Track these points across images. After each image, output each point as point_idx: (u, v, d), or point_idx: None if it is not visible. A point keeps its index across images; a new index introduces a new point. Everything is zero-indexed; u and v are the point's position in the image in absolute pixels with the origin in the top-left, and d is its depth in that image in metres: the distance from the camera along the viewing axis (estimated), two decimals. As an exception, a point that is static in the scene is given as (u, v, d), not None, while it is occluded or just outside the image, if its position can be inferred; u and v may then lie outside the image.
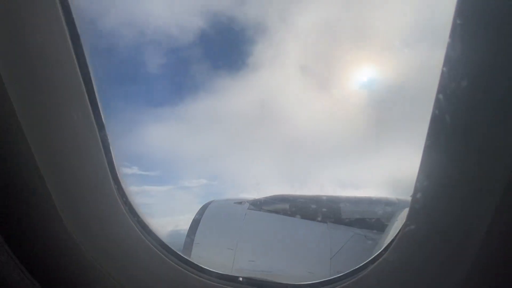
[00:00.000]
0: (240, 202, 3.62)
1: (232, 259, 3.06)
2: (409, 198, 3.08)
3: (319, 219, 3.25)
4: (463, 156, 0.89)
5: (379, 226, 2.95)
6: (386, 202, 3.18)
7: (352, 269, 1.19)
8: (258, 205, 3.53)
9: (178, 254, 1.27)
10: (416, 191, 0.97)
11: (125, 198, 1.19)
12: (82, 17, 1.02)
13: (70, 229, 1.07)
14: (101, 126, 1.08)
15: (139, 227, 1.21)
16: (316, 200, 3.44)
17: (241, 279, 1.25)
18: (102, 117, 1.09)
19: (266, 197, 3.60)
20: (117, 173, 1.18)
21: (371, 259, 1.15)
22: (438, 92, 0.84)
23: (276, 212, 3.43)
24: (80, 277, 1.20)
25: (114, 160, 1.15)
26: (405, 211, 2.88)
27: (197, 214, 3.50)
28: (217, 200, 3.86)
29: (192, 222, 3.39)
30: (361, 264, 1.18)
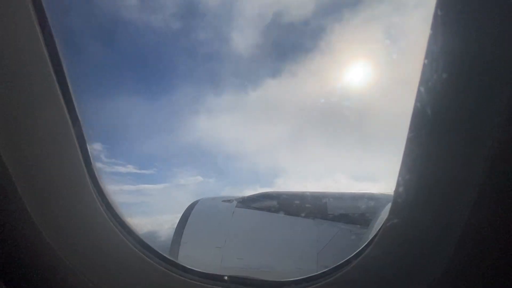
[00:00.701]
0: (228, 200, 3.61)
1: (220, 257, 3.05)
2: (393, 193, 3.14)
3: (306, 215, 3.30)
4: (444, 151, 0.89)
5: (364, 221, 3.03)
6: (371, 197, 3.26)
7: (336, 265, 1.20)
8: (246, 202, 3.53)
9: (160, 253, 1.24)
10: (398, 185, 0.97)
11: (103, 197, 1.15)
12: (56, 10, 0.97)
13: (42, 229, 1.04)
14: (75, 123, 1.03)
15: (118, 226, 1.17)
16: (303, 196, 3.48)
17: (226, 277, 1.24)
18: (78, 113, 1.04)
19: (253, 195, 3.61)
20: (95, 171, 1.13)
21: (355, 254, 1.16)
22: (420, 85, 0.83)
23: (264, 209, 3.44)
24: (52, 278, 1.15)
25: (91, 158, 1.11)
26: (389, 206, 2.95)
27: (184, 212, 3.47)
28: (205, 198, 3.83)
29: (179, 221, 3.36)
30: (345, 260, 1.19)
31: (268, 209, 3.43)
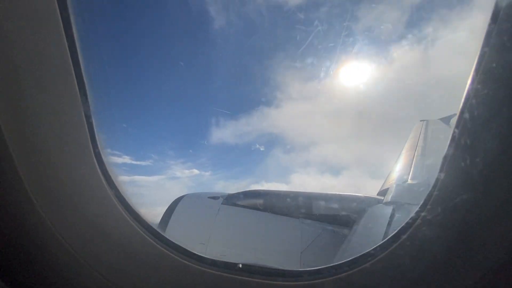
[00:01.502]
0: (213, 197, 3.60)
1: (203, 254, 3.04)
2: (377, 196, 3.18)
3: (292, 214, 3.32)
4: (492, 153, 0.86)
5: (348, 222, 3.07)
6: (355, 199, 3.30)
7: (359, 255, 1.15)
8: (232, 200, 3.53)
9: (173, 242, 1.24)
10: (437, 183, 0.94)
11: (115, 189, 1.12)
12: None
13: (52, 225, 1.01)
14: (89, 121, 1.00)
15: (129, 216, 1.15)
16: (289, 195, 3.51)
17: (240, 266, 1.22)
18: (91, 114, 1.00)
19: (240, 192, 3.61)
20: (104, 161, 1.09)
21: (380, 247, 1.11)
22: (471, 82, 0.82)
23: (250, 207, 3.45)
24: (64, 276, 1.12)
25: (100, 149, 1.07)
26: (372, 208, 2.99)
27: (168, 208, 3.43)
28: (190, 194, 3.81)
29: (162, 216, 3.32)
30: (370, 250, 1.14)
31: (254, 207, 3.44)
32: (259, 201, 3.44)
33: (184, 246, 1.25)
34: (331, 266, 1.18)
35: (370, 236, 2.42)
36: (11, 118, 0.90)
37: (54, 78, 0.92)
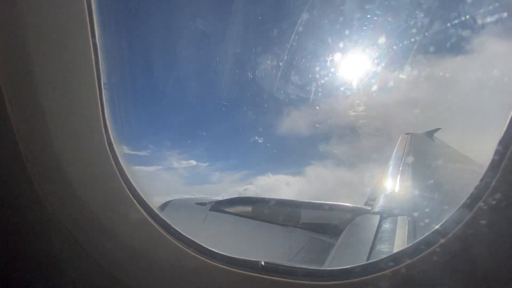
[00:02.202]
0: (201, 203, 3.53)
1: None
2: (364, 206, 3.21)
3: (280, 222, 3.30)
4: None
5: (336, 232, 3.07)
6: (343, 209, 3.32)
7: (396, 253, 1.11)
8: (220, 206, 3.47)
9: (189, 238, 1.25)
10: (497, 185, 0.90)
11: (133, 190, 1.10)
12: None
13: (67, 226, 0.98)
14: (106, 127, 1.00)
15: (147, 213, 1.15)
16: (278, 203, 3.49)
17: (263, 263, 1.21)
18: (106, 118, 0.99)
19: (228, 199, 3.56)
20: (120, 161, 1.07)
21: (423, 243, 1.05)
22: None
23: (238, 214, 3.40)
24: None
25: (115, 146, 1.05)
26: (360, 218, 3.01)
27: None
28: (178, 199, 3.73)
29: None
30: (407, 247, 1.09)
31: (242, 214, 3.39)
32: (248, 208, 3.40)
33: (202, 244, 1.24)
34: (359, 266, 1.15)
35: (358, 245, 2.42)
36: (24, 114, 0.88)
37: (71, 74, 0.91)
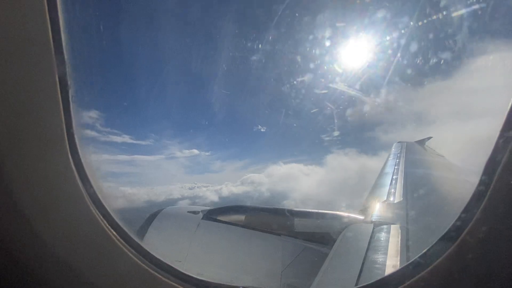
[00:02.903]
0: (193, 211, 3.48)
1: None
2: (357, 215, 3.21)
3: (273, 231, 3.26)
4: None
5: (329, 241, 3.05)
6: (336, 218, 3.31)
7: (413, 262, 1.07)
8: (212, 215, 3.42)
9: (170, 266, 1.18)
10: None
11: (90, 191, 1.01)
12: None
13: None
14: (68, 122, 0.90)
15: (112, 231, 1.06)
16: (271, 212, 3.46)
17: None
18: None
19: (221, 207, 3.52)
20: (83, 162, 0.98)
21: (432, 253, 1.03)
22: None
23: (231, 223, 3.35)
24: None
25: (78, 146, 0.97)
26: (351, 227, 3.01)
27: (145, 221, 3.27)
28: (170, 207, 3.67)
29: (138, 230, 3.15)
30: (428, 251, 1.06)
31: (235, 223, 3.35)
32: (240, 217, 3.36)
33: (179, 269, 1.20)
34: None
35: (351, 255, 2.41)
36: None
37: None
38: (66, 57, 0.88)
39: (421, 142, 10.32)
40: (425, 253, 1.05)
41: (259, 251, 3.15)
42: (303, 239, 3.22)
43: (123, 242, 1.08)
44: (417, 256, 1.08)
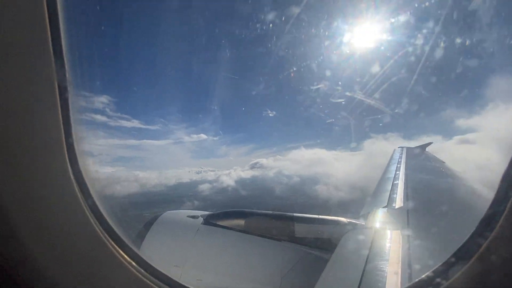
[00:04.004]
0: (193, 216, 3.46)
1: (177, 277, 2.87)
2: (358, 220, 3.20)
3: (273, 236, 3.23)
4: None
5: (329, 246, 3.03)
6: (337, 223, 3.28)
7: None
8: (212, 220, 3.40)
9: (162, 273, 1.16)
10: None
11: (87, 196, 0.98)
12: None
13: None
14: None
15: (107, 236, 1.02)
16: (272, 217, 3.44)
17: None
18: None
19: (221, 212, 3.50)
20: (80, 165, 0.94)
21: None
22: None
23: (231, 228, 3.33)
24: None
25: (77, 154, 0.94)
26: (351, 232, 3.00)
27: (144, 226, 3.25)
28: (169, 211, 3.65)
29: (137, 235, 3.13)
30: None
31: (235, 228, 3.32)
32: (240, 222, 3.33)
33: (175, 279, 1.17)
34: None
35: (352, 261, 2.38)
36: None
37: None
38: (68, 50, 0.86)
39: (422, 148, 10.30)
40: (438, 269, 1.01)
41: (259, 256, 3.12)
42: (304, 245, 3.19)
43: (120, 252, 1.06)
44: (430, 272, 1.04)
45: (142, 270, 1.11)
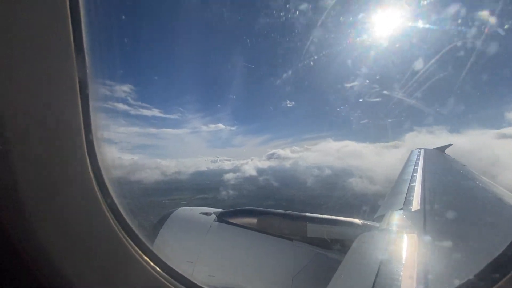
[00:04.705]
0: (205, 213, 3.50)
1: (190, 273, 2.92)
2: (374, 223, 3.13)
3: (285, 236, 3.23)
4: None
5: (342, 247, 2.98)
6: (351, 224, 3.23)
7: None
8: (225, 217, 3.43)
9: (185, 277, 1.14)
10: None
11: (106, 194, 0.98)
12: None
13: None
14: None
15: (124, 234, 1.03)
16: (284, 216, 3.42)
17: None
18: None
19: (233, 210, 3.53)
20: (101, 168, 0.95)
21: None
22: None
23: (243, 226, 3.35)
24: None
25: (96, 151, 0.94)
26: (365, 234, 2.94)
27: (157, 222, 3.32)
28: (182, 208, 3.71)
29: (150, 231, 3.20)
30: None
31: (248, 226, 3.34)
32: (253, 220, 3.34)
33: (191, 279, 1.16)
34: None
35: (365, 263, 2.34)
36: None
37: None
38: (90, 42, 0.86)
39: (441, 149, 9.96)
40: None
41: (270, 255, 3.12)
42: (316, 245, 3.16)
43: (138, 250, 1.08)
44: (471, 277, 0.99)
45: (159, 269, 1.13)
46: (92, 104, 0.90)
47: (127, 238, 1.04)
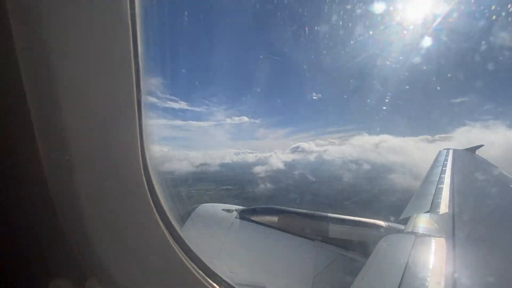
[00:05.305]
0: (227, 210, 3.57)
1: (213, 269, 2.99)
2: (398, 225, 3.05)
3: (307, 235, 3.22)
4: None
5: (365, 249, 2.93)
6: (375, 226, 3.16)
7: None
8: (246, 214, 3.48)
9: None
10: None
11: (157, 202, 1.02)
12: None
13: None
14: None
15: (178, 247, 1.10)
16: (306, 215, 3.41)
17: None
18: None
19: (255, 207, 3.56)
20: (152, 176, 0.99)
21: None
22: None
23: (265, 224, 3.38)
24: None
25: (148, 160, 0.97)
26: (389, 236, 2.87)
27: (180, 218, 3.43)
28: (205, 204, 3.80)
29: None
30: None
31: (269, 224, 3.37)
32: (274, 218, 3.36)
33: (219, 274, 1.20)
34: None
35: (390, 266, 2.29)
36: (43, 111, 0.83)
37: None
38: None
39: (471, 150, 9.43)
40: None
41: (292, 254, 3.13)
42: (338, 246, 3.13)
43: (184, 254, 1.11)
44: None
45: (202, 272, 1.16)
46: (143, 111, 0.95)
47: (174, 240, 1.09)
